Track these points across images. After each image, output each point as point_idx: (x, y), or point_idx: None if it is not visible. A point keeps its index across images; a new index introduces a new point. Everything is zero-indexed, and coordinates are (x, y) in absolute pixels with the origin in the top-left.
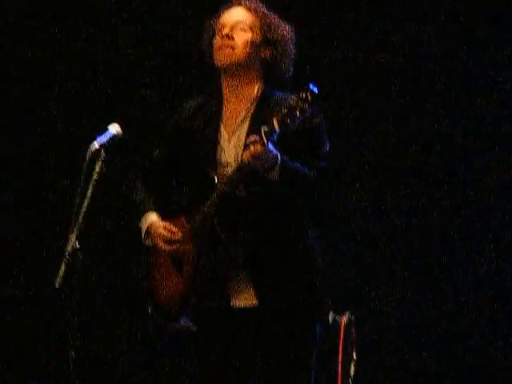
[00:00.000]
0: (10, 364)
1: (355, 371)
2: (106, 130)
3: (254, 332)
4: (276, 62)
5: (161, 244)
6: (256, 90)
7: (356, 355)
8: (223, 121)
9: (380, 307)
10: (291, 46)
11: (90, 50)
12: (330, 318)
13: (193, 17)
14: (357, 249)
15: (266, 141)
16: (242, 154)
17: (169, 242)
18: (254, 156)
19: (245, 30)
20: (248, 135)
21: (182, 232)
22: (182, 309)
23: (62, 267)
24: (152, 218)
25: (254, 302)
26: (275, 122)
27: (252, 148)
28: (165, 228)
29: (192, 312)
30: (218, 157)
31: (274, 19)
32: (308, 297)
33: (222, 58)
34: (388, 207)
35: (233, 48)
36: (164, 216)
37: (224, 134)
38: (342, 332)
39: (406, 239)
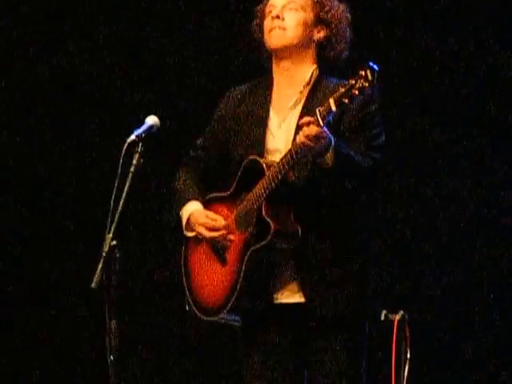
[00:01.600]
0: (45, 366)
1: (409, 371)
2: (143, 122)
3: (299, 328)
4: (330, 43)
5: (202, 231)
6: (309, 74)
7: (410, 354)
8: (273, 105)
9: (435, 306)
10: (346, 27)
11: (132, 42)
12: (383, 315)
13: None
14: (411, 247)
15: (321, 121)
16: (295, 137)
17: (211, 229)
18: (308, 137)
19: (296, 10)
20: (300, 119)
21: (226, 220)
22: (224, 304)
23: (99, 267)
24: (194, 206)
25: (299, 298)
26: (332, 102)
27: (306, 129)
28: (207, 216)
29: (234, 307)
30: (267, 143)
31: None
32: (357, 296)
33: (273, 40)
34: (443, 205)
35: (284, 29)
36: (207, 205)
37: (274, 119)
38: (394, 330)
39: (464, 237)
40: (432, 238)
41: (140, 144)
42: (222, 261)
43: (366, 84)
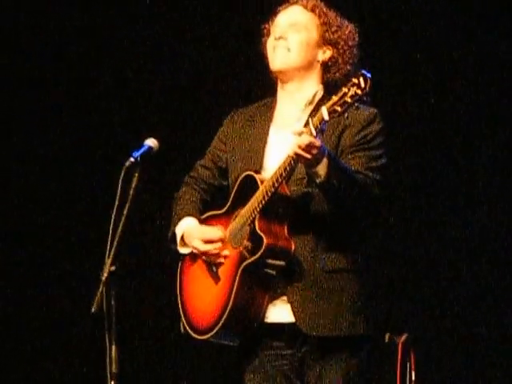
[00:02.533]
0: None
1: None
2: (142, 145)
3: (292, 349)
4: (336, 64)
5: (197, 244)
6: (313, 93)
7: (415, 377)
8: (274, 124)
9: (439, 329)
10: (353, 48)
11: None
12: (387, 337)
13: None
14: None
15: (314, 131)
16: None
17: (206, 242)
18: (300, 147)
19: (299, 31)
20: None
21: (220, 235)
22: (216, 322)
23: (99, 292)
24: (188, 222)
25: (290, 318)
26: (324, 111)
27: (298, 139)
28: (202, 231)
29: (226, 326)
30: (265, 161)
31: (335, 18)
32: (351, 316)
33: (276, 60)
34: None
35: (287, 49)
36: (203, 223)
37: (273, 137)
38: (399, 352)
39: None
40: (439, 258)
41: (139, 166)
42: (216, 278)
43: (359, 91)
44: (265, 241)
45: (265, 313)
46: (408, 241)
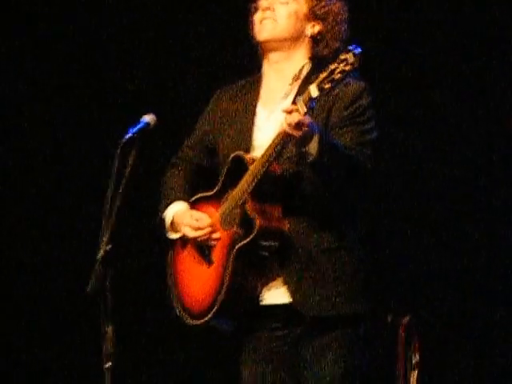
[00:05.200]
0: (39, 373)
1: (418, 377)
2: (140, 121)
3: (289, 330)
4: (325, 39)
5: (187, 231)
6: (299, 69)
7: (419, 360)
8: (261, 100)
9: (443, 310)
10: (342, 24)
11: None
12: (389, 319)
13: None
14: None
15: (303, 109)
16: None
17: (196, 229)
18: (290, 125)
19: (288, 2)
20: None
21: (211, 219)
22: (211, 306)
23: (94, 271)
24: (178, 206)
25: (286, 299)
26: (313, 88)
27: (288, 117)
28: (192, 216)
29: (221, 309)
30: (254, 138)
31: None
32: (348, 296)
33: (263, 31)
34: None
35: (274, 20)
36: (194, 206)
37: (261, 113)
38: (402, 334)
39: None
40: (444, 243)
41: (136, 143)
42: (208, 261)
43: (347, 67)
44: (257, 222)
45: (259, 295)
46: (415, 220)
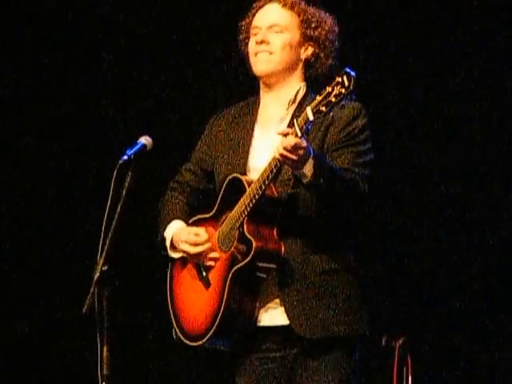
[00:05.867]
0: None
1: None
2: (136, 142)
3: (285, 351)
4: (319, 59)
5: (186, 247)
6: (296, 92)
7: (411, 381)
8: (258, 124)
9: (437, 333)
10: (334, 41)
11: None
12: (384, 341)
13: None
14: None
15: (299, 132)
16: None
17: (195, 245)
18: (286, 148)
19: (281, 32)
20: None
21: (209, 237)
22: (209, 328)
23: (90, 292)
24: (176, 225)
25: (283, 321)
26: (309, 111)
27: (284, 140)
28: (189, 232)
29: (219, 331)
30: (250, 161)
31: (314, 14)
32: (344, 317)
33: (259, 65)
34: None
35: (270, 53)
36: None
37: (258, 137)
38: (396, 356)
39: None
40: (437, 263)
41: (132, 165)
42: (206, 283)
43: (343, 90)
44: (254, 244)
45: (257, 316)
46: (408, 242)
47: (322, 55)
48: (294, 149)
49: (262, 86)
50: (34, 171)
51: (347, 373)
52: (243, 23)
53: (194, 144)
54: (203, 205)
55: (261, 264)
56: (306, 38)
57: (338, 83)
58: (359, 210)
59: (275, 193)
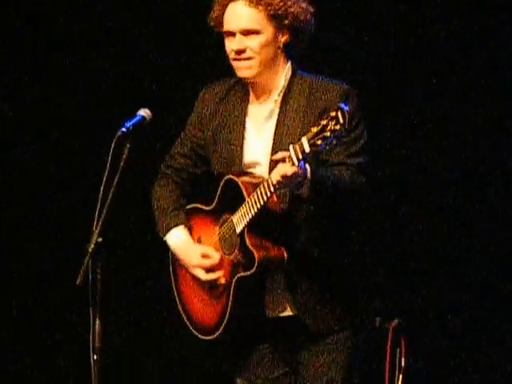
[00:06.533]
0: (27, 364)
1: (404, 381)
2: (135, 115)
3: (290, 342)
4: (296, 40)
5: (200, 274)
6: (283, 79)
7: (405, 364)
8: (249, 117)
9: (432, 315)
10: (307, 20)
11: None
12: (377, 323)
13: None
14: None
15: (296, 162)
16: (270, 173)
17: (208, 270)
18: (283, 176)
19: (255, 33)
20: (276, 131)
21: (211, 238)
22: (216, 327)
23: (85, 264)
24: (180, 235)
25: (290, 311)
26: (305, 143)
27: (281, 168)
28: (199, 255)
29: (226, 331)
30: (245, 156)
31: (279, 1)
32: (347, 310)
33: (241, 72)
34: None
35: (249, 57)
36: (189, 217)
37: (251, 131)
38: (389, 338)
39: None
40: (432, 246)
41: (131, 137)
42: (212, 285)
43: (337, 127)
44: (256, 256)
45: (265, 310)
46: (403, 224)
47: (298, 36)
48: (291, 178)
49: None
50: (35, 171)
51: (349, 365)
52: (211, 16)
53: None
54: (198, 186)
55: (265, 269)
56: (278, 29)
57: (332, 118)
58: (359, 200)
59: (278, 208)
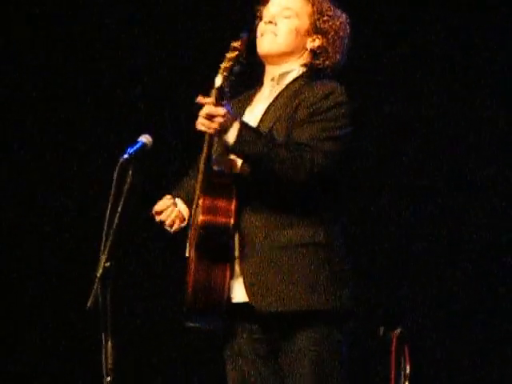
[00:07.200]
0: None
1: None
2: (137, 141)
3: (266, 334)
4: (326, 52)
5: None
6: (292, 77)
7: (410, 371)
8: (249, 106)
9: (435, 323)
10: (344, 38)
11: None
12: (381, 331)
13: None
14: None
15: (213, 99)
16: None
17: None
18: (203, 117)
19: (290, 17)
20: (262, 117)
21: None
22: (191, 308)
23: (94, 288)
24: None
25: (246, 298)
26: (217, 79)
27: (202, 110)
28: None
29: (193, 309)
30: None
31: (328, 7)
32: (306, 296)
33: (263, 45)
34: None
35: (275, 34)
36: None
37: (245, 117)
38: (393, 346)
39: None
40: (434, 254)
41: (133, 163)
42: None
43: (236, 53)
44: (200, 218)
45: (229, 292)
46: (406, 233)
47: (329, 49)
48: (212, 116)
49: (265, 72)
50: (35, 171)
51: (325, 351)
52: (258, 8)
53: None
54: None
55: (213, 240)
56: (315, 29)
57: (233, 48)
58: (323, 183)
59: (227, 167)
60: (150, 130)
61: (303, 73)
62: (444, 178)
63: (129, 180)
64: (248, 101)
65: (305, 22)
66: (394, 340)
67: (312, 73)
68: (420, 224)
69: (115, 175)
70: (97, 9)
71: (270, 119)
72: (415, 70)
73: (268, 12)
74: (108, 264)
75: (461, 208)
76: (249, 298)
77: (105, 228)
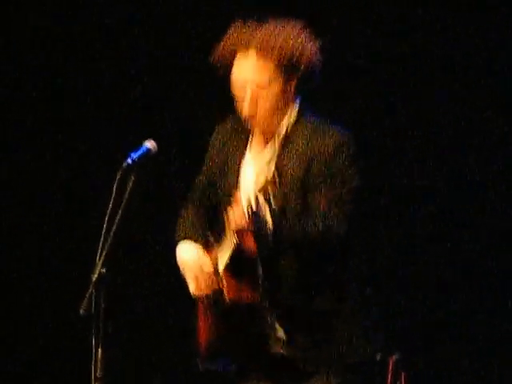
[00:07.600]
0: None
1: None
2: (140, 146)
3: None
4: (305, 82)
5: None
6: (285, 124)
7: None
8: (251, 156)
9: (432, 350)
10: (318, 62)
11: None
12: (378, 357)
13: None
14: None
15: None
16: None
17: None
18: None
19: (263, 87)
20: (274, 175)
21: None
22: (208, 353)
23: (88, 294)
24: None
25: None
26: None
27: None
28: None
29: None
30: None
31: (293, 47)
32: (342, 350)
33: (249, 124)
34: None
35: (256, 112)
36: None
37: (248, 171)
38: (389, 374)
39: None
40: (432, 278)
41: (136, 169)
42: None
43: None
44: (226, 296)
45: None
46: (401, 257)
47: (308, 77)
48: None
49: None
50: (35, 172)
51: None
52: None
53: (198, 149)
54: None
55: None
56: (290, 77)
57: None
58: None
59: (252, 246)
60: (150, 130)
61: (297, 115)
62: (444, 178)
63: (130, 187)
64: (243, 146)
65: (277, 80)
66: (390, 366)
67: (305, 104)
68: (420, 224)
69: (116, 181)
70: (97, 9)
71: (285, 184)
72: (415, 70)
73: (237, 88)
74: (104, 270)
75: (461, 208)
76: (287, 353)
77: (103, 233)
